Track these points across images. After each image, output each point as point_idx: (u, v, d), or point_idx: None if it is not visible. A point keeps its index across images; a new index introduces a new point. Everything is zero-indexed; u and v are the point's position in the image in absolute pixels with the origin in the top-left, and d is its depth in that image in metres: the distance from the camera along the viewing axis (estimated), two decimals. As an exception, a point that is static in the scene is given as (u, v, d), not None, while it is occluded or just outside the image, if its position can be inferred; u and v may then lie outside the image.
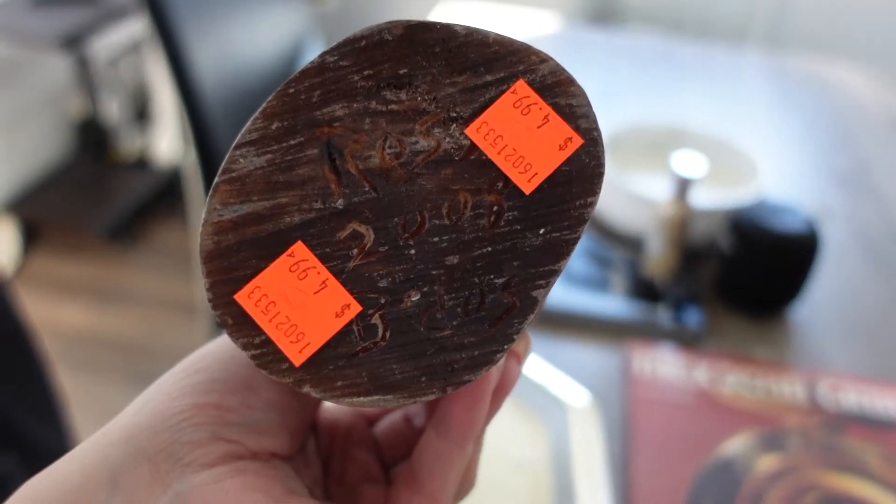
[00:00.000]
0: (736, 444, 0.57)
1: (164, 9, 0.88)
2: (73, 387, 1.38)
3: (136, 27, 2.04)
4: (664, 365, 0.64)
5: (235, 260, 0.21)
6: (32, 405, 0.74)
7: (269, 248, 0.22)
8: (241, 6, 1.05)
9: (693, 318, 0.69)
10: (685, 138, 0.86)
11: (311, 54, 1.22)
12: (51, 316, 1.70)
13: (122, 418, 0.23)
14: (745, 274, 0.70)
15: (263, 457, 0.23)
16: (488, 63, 0.23)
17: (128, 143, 2.19)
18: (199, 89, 0.92)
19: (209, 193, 0.22)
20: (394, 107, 0.22)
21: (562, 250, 0.22)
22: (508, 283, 0.22)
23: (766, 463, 0.56)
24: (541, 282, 0.22)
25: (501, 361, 0.22)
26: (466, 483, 0.27)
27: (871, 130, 1.09)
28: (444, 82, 0.22)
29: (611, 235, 0.80)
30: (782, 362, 0.66)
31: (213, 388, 0.23)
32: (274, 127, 0.22)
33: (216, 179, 0.22)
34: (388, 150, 0.22)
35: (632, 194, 0.76)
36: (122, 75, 2.17)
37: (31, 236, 1.92)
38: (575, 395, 0.59)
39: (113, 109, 2.15)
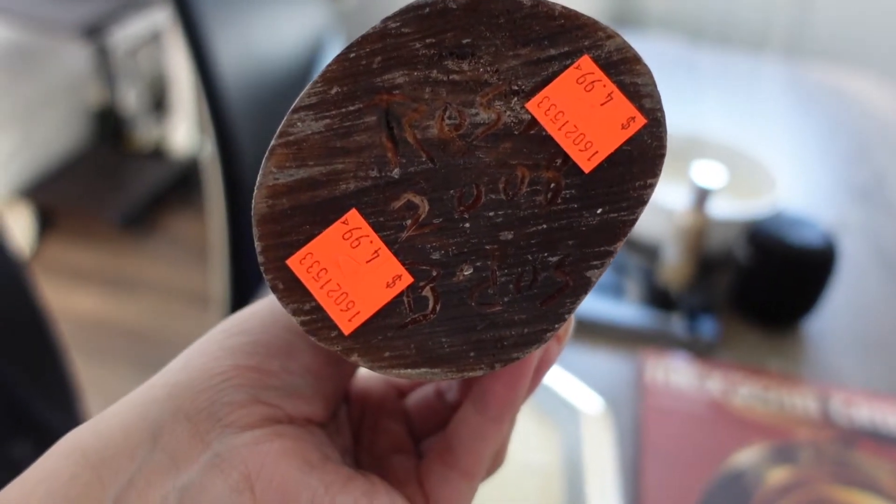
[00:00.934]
0: (747, 456, 0.57)
1: (188, 0, 0.88)
2: (83, 374, 1.39)
3: (156, 18, 2.05)
4: (677, 374, 0.64)
5: (289, 225, 0.21)
6: (49, 391, 0.75)
7: (323, 215, 0.21)
8: (263, 0, 1.06)
9: (707, 327, 0.69)
10: (703, 148, 0.86)
11: (332, 51, 1.23)
12: (64, 303, 1.71)
13: (164, 375, 0.23)
14: (761, 285, 0.70)
15: (300, 422, 0.24)
16: (553, 36, 0.22)
17: (145, 133, 2.20)
18: (220, 81, 0.93)
19: (265, 156, 0.21)
20: (455, 77, 0.22)
21: (618, 231, 0.21)
22: (562, 261, 0.21)
23: (777, 476, 0.56)
24: (595, 262, 0.21)
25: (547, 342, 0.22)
26: (498, 460, 0.27)
27: (890, 143, 1.09)
28: (508, 54, 0.22)
29: (627, 242, 0.80)
30: (796, 375, 0.66)
31: (255, 350, 0.23)
32: (333, 92, 0.22)
33: (273, 142, 0.22)
34: (447, 121, 0.22)
35: (650, 203, 0.75)
36: (141, 65, 2.18)
37: (47, 223, 1.93)
38: (588, 402, 0.59)
39: (131, 99, 2.17)
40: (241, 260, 1.04)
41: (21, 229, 1.86)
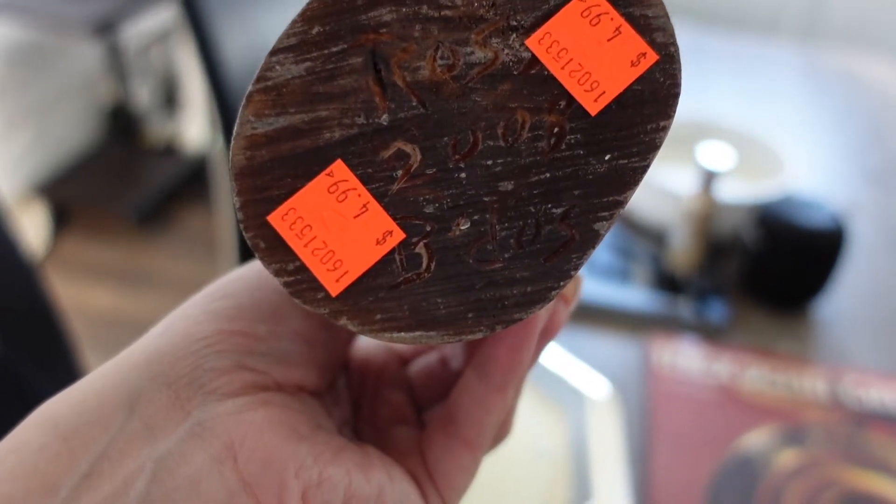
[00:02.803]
0: (756, 439, 0.57)
1: (195, -4, 0.88)
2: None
3: (166, 14, 2.06)
4: (685, 358, 0.64)
5: (269, 178, 0.20)
6: (61, 385, 0.76)
7: (306, 166, 0.20)
8: (269, -6, 1.06)
9: (716, 311, 0.68)
10: (713, 131, 0.85)
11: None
12: (79, 298, 1.73)
13: (144, 341, 0.22)
14: (770, 268, 0.69)
15: (290, 389, 0.22)
16: None
17: (157, 129, 2.22)
18: (227, 77, 0.93)
19: (242, 104, 0.20)
20: (447, 12, 0.20)
21: (629, 179, 0.20)
22: (567, 213, 0.20)
23: (786, 458, 0.56)
24: (603, 213, 0.20)
25: (552, 301, 0.20)
26: (503, 430, 0.26)
27: (903, 126, 1.07)
28: None
29: (634, 227, 0.80)
30: (804, 357, 0.65)
31: (241, 314, 0.22)
32: (314, 31, 0.20)
33: (250, 88, 0.20)
34: (439, 62, 0.20)
35: (657, 187, 0.75)
36: (153, 62, 2.19)
37: (62, 219, 1.95)
38: (595, 387, 0.59)
39: (143, 96, 2.18)
40: (252, 254, 1.05)
41: (36, 227, 1.88)
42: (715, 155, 0.68)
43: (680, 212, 0.70)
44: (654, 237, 0.78)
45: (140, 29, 2.05)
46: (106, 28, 1.69)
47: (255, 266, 0.24)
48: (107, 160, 2.09)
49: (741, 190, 0.76)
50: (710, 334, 0.67)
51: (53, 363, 0.76)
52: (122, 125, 2.16)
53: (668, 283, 0.72)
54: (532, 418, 0.58)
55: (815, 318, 0.70)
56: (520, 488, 0.54)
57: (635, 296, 0.70)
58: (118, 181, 2.00)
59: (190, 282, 1.79)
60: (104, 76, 2.12)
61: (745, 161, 0.81)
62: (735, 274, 0.74)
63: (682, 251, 0.71)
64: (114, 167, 2.06)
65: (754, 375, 0.62)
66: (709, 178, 0.68)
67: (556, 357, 0.62)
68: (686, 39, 1.30)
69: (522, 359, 0.23)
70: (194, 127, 2.15)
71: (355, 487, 0.21)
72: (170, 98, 2.26)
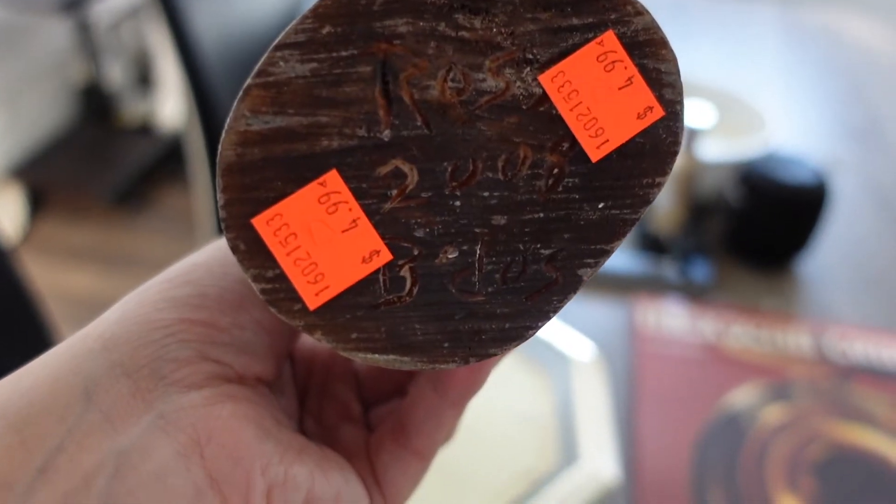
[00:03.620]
0: (742, 396, 0.57)
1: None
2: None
3: (136, -10, 2.02)
4: (670, 318, 0.64)
5: (259, 178, 0.19)
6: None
7: (298, 172, 0.19)
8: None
9: (700, 271, 0.68)
10: (694, 91, 0.85)
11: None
12: (58, 281, 1.71)
13: (99, 326, 0.20)
14: (753, 226, 0.69)
15: (250, 381, 0.21)
16: (577, 4, 0.19)
17: (131, 108, 2.18)
18: (198, 51, 0.91)
19: (239, 96, 0.19)
20: (465, 34, 0.19)
21: (618, 230, 0.20)
22: (555, 255, 0.20)
23: (772, 414, 0.56)
24: (589, 260, 0.20)
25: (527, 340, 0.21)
26: (449, 436, 0.26)
27: (884, 83, 1.07)
28: (526, 16, 0.19)
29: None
30: (789, 313, 0.65)
31: (203, 303, 0.21)
32: (325, 31, 0.19)
33: (248, 81, 0.19)
34: (450, 84, 0.19)
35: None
36: (124, 40, 2.15)
37: (38, 202, 1.92)
38: (580, 350, 0.59)
39: (115, 74, 2.14)
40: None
41: (12, 211, 1.85)
42: (696, 113, 0.68)
43: (662, 172, 0.69)
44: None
45: (110, 5, 2.01)
46: (73, 4, 1.65)
47: (217, 253, 0.23)
48: (81, 141, 2.05)
49: (723, 148, 0.75)
50: (695, 294, 0.67)
51: (31, 349, 0.75)
52: (95, 105, 2.13)
53: (652, 243, 0.71)
54: (517, 382, 0.57)
55: (799, 274, 0.70)
56: (506, 453, 0.53)
57: (619, 257, 0.70)
58: (93, 162, 1.97)
59: (169, 261, 1.75)
60: (75, 55, 2.08)
61: (727, 119, 0.81)
62: (719, 233, 0.73)
63: (665, 212, 0.71)
64: (88, 148, 2.03)
65: (739, 333, 0.62)
66: (690, 136, 0.67)
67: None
68: (666, 3, 1.29)
69: (483, 378, 0.23)
70: (169, 104, 2.11)
71: (317, 488, 0.21)
72: (143, 76, 2.22)
